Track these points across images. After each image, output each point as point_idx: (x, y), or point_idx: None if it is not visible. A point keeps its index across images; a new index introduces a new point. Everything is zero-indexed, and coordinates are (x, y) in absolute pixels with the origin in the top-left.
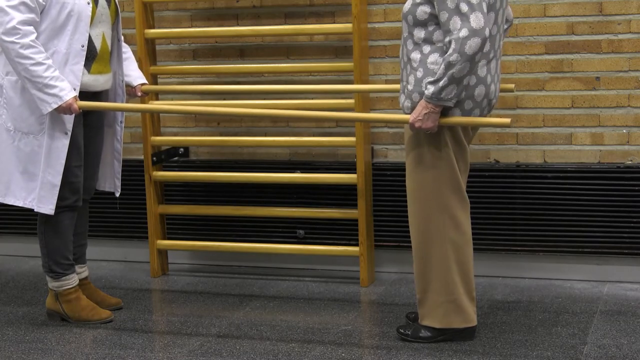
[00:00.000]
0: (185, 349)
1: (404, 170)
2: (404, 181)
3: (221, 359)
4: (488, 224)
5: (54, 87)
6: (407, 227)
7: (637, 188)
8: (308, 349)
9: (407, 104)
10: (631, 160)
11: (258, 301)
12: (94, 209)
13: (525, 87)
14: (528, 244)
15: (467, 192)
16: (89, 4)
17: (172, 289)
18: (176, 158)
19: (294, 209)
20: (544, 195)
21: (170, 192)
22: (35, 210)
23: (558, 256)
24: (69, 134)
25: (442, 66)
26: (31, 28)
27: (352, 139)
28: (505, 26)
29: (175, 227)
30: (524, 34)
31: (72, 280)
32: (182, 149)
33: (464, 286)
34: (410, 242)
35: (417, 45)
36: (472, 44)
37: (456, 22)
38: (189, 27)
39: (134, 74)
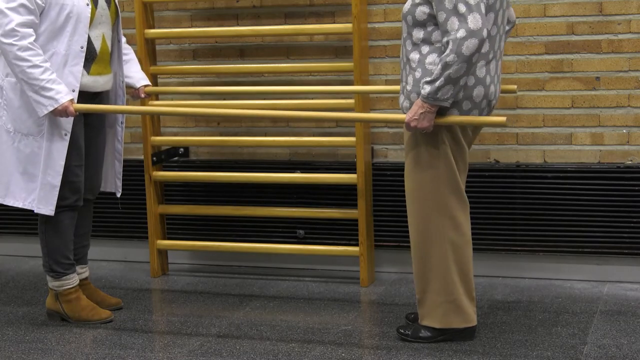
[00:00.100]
0: (185, 349)
1: (404, 170)
2: (404, 181)
3: (221, 359)
4: (488, 224)
5: (50, 89)
6: (407, 227)
7: (637, 188)
8: (308, 349)
9: (406, 104)
10: (631, 160)
11: (258, 301)
12: (94, 209)
13: (525, 87)
14: (528, 244)
15: (467, 192)
16: (88, 5)
17: (172, 289)
18: (176, 158)
19: (294, 209)
20: (544, 195)
21: (170, 192)
22: (35, 211)
23: (558, 256)
24: (68, 135)
25: (439, 66)
26: (30, 30)
27: (352, 139)
28: (507, 27)
29: (175, 227)
30: (524, 34)
31: (73, 280)
32: (182, 149)
33: (464, 286)
34: (410, 242)
35: (416, 45)
36: (470, 44)
37: (454, 22)
38: (189, 27)
39: (137, 75)
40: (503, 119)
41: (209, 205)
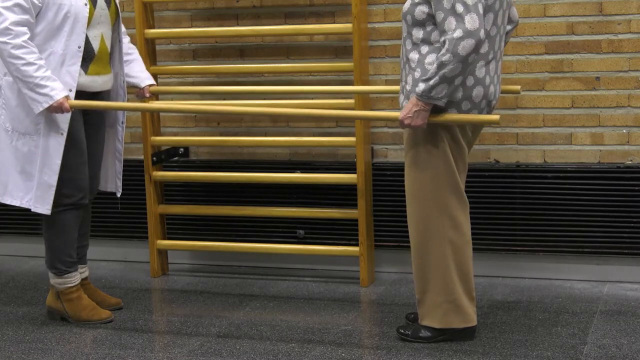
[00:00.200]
0: (185, 349)
1: (404, 170)
2: (404, 181)
3: (221, 359)
4: (488, 224)
5: (45, 86)
6: (407, 227)
7: (637, 188)
8: (308, 349)
9: (406, 103)
10: (631, 160)
11: (258, 301)
12: (94, 209)
13: (525, 87)
14: (528, 244)
15: (467, 192)
16: (86, 5)
17: (172, 289)
18: (176, 158)
19: (294, 209)
20: (544, 195)
21: (170, 192)
22: (32, 210)
23: (558, 256)
24: (65, 134)
25: (435, 65)
26: (24, 29)
27: (352, 139)
28: (510, 27)
29: (175, 227)
30: (524, 34)
31: (75, 278)
32: (182, 149)
33: (463, 286)
34: (409, 242)
35: (415, 45)
36: (466, 45)
37: (451, 22)
38: (189, 27)
39: (142, 75)
40: (497, 117)
41: (209, 205)
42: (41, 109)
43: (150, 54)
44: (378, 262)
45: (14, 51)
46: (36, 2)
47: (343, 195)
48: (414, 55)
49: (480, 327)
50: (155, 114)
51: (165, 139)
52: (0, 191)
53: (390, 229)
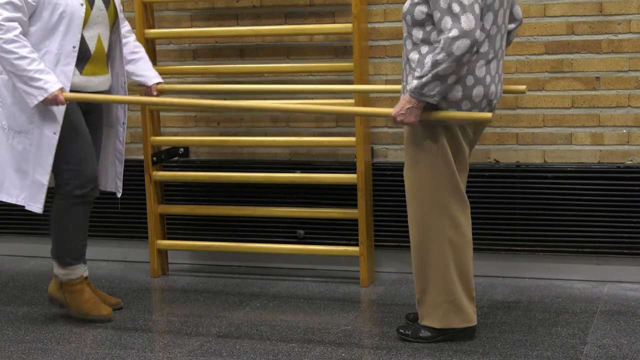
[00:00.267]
0: (185, 349)
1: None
2: (404, 181)
3: (221, 359)
4: (488, 224)
5: (39, 79)
6: (407, 227)
7: (637, 188)
8: (308, 349)
9: None
10: (631, 160)
11: (258, 301)
12: (94, 208)
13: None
14: (528, 244)
15: (467, 192)
16: (82, 5)
17: (172, 289)
18: (176, 158)
19: (294, 209)
20: (544, 195)
21: (170, 192)
22: (25, 208)
23: (558, 256)
24: (57, 134)
25: (429, 63)
26: (15, 24)
27: (352, 139)
28: (513, 25)
29: (175, 227)
30: (524, 34)
31: (79, 270)
32: (182, 149)
33: (463, 286)
34: (409, 241)
35: (415, 45)
36: (461, 44)
37: (447, 22)
38: (189, 27)
39: (149, 74)
40: (489, 115)
41: (209, 205)
42: (36, 102)
43: (150, 54)
44: (378, 262)
45: (6, 46)
46: (30, 1)
47: (343, 195)
48: (414, 56)
49: (480, 327)
50: (155, 114)
51: (165, 139)
52: None
53: (390, 229)
